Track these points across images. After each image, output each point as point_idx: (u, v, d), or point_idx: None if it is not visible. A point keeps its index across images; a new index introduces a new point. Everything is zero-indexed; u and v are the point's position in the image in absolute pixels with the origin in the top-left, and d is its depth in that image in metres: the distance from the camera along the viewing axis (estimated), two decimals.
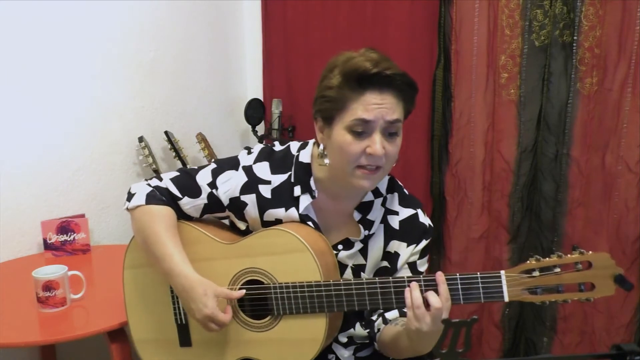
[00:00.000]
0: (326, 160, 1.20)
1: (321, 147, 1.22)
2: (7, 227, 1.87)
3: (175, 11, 2.39)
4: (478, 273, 1.09)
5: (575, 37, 2.07)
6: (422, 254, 1.30)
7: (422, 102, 2.37)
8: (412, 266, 1.29)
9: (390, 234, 1.28)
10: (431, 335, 1.09)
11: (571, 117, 2.13)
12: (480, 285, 1.09)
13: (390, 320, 1.29)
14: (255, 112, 2.60)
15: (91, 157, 2.11)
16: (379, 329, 1.30)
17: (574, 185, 2.17)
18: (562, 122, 2.14)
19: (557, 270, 1.06)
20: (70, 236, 1.96)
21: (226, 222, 1.43)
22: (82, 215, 2.03)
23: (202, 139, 2.41)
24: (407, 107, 1.18)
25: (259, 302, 1.26)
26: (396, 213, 1.28)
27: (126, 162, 2.25)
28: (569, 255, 1.06)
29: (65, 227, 1.96)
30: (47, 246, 1.94)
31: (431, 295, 1.08)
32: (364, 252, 1.28)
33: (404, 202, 1.30)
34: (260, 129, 2.66)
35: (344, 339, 1.35)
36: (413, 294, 1.09)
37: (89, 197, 2.12)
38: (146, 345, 1.40)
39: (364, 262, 1.28)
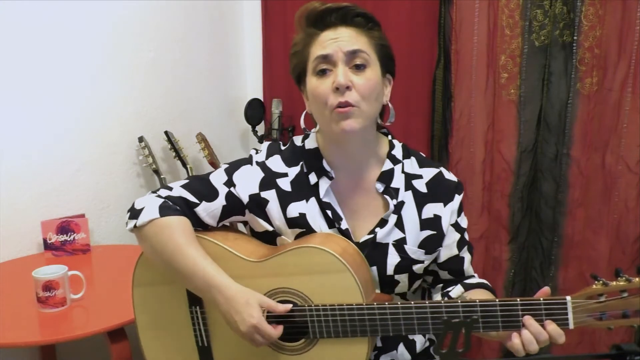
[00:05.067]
0: (315, 129, 1.22)
1: (307, 109, 1.20)
2: (7, 227, 1.87)
3: (175, 11, 2.39)
4: (541, 299, 1.00)
5: (575, 37, 2.07)
6: (460, 210, 1.25)
7: (422, 102, 2.37)
8: (456, 226, 1.24)
9: (421, 199, 1.21)
10: None
11: (571, 117, 2.13)
12: (543, 312, 1.00)
13: (455, 299, 1.21)
14: (255, 112, 2.60)
15: (91, 157, 2.11)
16: None
17: (574, 185, 2.17)
18: (562, 122, 2.14)
19: (625, 294, 0.95)
20: (70, 236, 1.97)
21: (244, 230, 1.32)
22: (82, 215, 2.03)
23: (202, 139, 2.40)
24: (375, 41, 1.14)
25: (292, 323, 1.14)
26: (420, 177, 1.22)
27: (126, 162, 2.25)
28: (637, 279, 0.95)
29: (65, 227, 1.96)
30: (47, 246, 1.94)
31: (550, 325, 1.00)
32: (399, 224, 1.19)
33: (424, 164, 1.24)
34: (260, 129, 2.66)
35: None
36: (535, 329, 1.00)
37: (89, 197, 2.12)
38: None
39: (402, 235, 1.19)
